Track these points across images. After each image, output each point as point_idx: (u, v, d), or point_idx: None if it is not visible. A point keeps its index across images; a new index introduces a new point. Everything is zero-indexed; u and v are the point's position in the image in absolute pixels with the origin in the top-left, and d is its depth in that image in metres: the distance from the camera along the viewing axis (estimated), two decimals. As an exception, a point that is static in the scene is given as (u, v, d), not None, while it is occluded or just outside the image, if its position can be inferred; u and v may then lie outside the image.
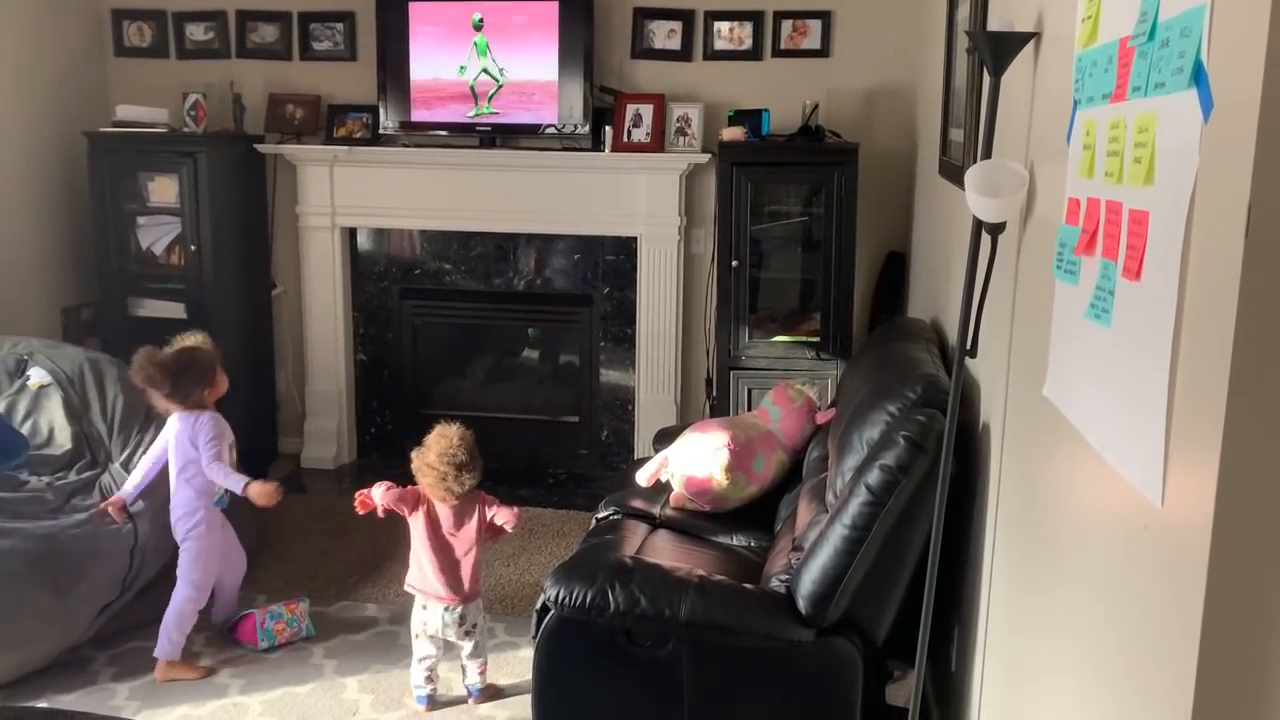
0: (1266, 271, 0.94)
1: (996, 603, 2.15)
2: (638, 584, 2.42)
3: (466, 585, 3.00)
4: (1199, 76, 1.06)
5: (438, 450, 2.95)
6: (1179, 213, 1.09)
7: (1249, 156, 0.94)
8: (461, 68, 4.55)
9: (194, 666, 3.20)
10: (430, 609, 3.00)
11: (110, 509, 3.29)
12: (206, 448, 3.19)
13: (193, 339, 3.34)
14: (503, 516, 3.00)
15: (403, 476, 3.06)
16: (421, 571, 3.00)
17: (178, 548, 3.37)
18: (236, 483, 3.19)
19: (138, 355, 3.23)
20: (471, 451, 2.97)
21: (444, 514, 3.00)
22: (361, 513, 3.03)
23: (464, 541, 2.99)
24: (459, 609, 2.98)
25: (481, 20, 4.49)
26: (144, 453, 3.44)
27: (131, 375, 3.26)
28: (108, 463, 3.58)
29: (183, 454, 3.22)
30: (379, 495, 3.00)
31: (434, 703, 3.04)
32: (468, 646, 3.02)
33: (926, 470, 2.32)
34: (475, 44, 4.53)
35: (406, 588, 3.06)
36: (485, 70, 4.54)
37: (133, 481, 3.34)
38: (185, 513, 3.23)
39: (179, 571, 3.24)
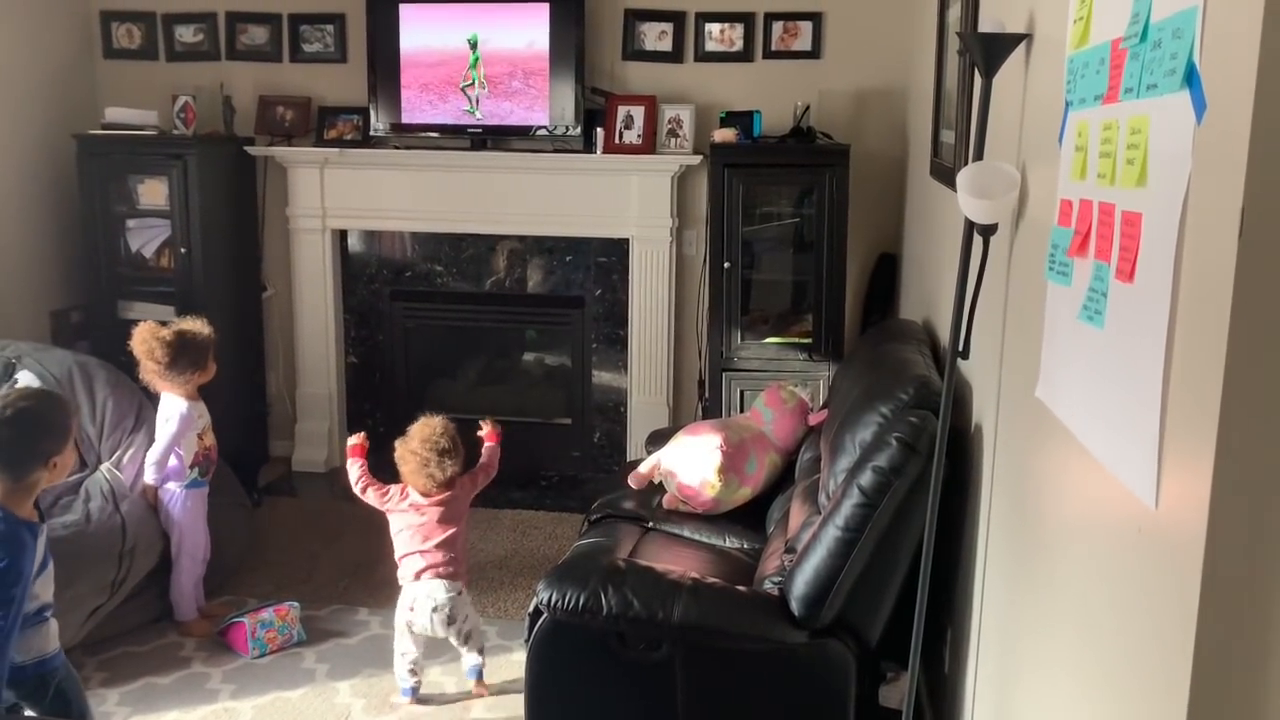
0: (1260, 272, 0.94)
1: (989, 604, 2.15)
2: (630, 587, 2.42)
3: (461, 562, 3.04)
4: (1191, 78, 1.06)
5: (421, 436, 3.01)
6: (1172, 214, 1.09)
7: (1242, 158, 0.93)
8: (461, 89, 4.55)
9: (209, 621, 3.44)
10: (424, 586, 2.97)
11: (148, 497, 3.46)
12: (163, 431, 3.37)
13: (192, 323, 3.47)
14: (487, 453, 3.11)
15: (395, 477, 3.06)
16: (413, 559, 3.01)
17: (167, 550, 3.40)
18: (152, 475, 3.39)
19: (141, 326, 3.39)
20: (454, 440, 3.03)
21: (429, 511, 3.01)
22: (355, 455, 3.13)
23: (450, 525, 3.02)
24: (457, 588, 2.99)
25: (477, 41, 4.51)
26: (135, 450, 3.55)
27: (132, 344, 3.39)
28: (97, 465, 3.56)
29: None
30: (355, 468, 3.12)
31: (419, 695, 3.04)
32: (463, 646, 3.04)
33: (919, 472, 2.32)
34: (470, 48, 4.53)
35: (401, 581, 3.06)
36: (477, 79, 4.54)
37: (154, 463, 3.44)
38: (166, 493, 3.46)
39: (172, 552, 3.43)
